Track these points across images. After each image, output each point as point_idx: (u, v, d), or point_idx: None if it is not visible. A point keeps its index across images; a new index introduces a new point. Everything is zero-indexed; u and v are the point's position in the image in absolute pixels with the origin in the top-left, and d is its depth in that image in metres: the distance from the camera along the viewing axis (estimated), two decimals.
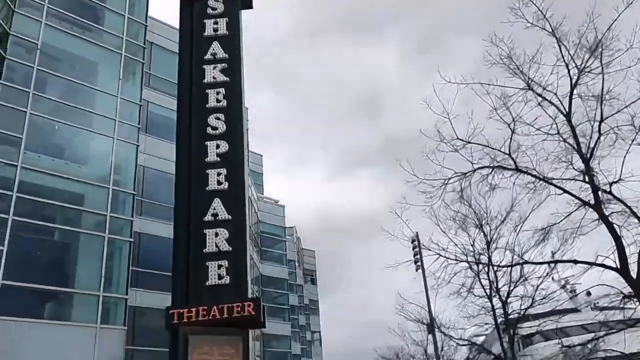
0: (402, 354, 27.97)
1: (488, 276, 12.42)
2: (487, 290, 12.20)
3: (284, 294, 32.98)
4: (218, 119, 14.92)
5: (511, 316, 12.15)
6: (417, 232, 50.91)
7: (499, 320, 11.76)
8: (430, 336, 26.63)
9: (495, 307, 12.08)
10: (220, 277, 15.36)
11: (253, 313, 14.87)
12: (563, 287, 38.33)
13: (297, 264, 49.22)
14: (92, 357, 18.02)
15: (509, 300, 12.16)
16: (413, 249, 50.43)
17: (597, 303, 43.13)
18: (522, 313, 11.55)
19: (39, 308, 20.24)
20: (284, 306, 32.67)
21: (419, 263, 43.94)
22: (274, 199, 39.51)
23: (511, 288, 12.13)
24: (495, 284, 12.24)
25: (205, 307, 14.87)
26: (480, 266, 12.58)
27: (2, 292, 17.72)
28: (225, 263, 15.49)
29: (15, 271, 18.71)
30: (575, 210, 13.64)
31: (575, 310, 37.42)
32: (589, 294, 41.06)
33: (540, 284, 11.81)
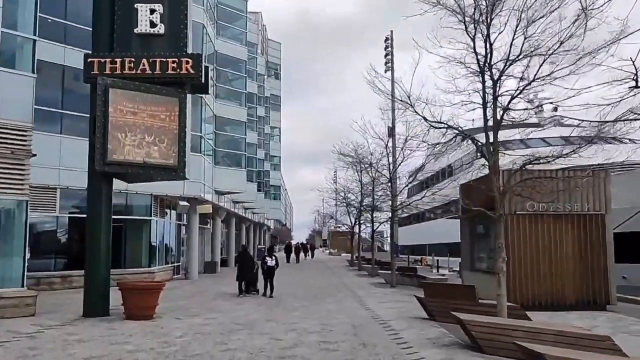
0: (362, 150, 27.04)
1: (485, 46, 9.98)
2: (481, 62, 9.79)
3: (241, 77, 30.48)
4: None
5: (502, 98, 10.08)
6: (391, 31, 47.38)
7: (489, 100, 9.62)
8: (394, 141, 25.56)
9: (486, 86, 9.86)
10: (152, 24, 12.51)
11: (192, 72, 12.48)
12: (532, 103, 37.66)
13: (259, 51, 45.93)
14: None
15: (502, 78, 9.91)
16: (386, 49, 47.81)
17: (562, 118, 43.11)
18: (515, 95, 9.39)
19: None
20: (240, 90, 30.45)
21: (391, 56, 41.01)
22: None
23: (507, 66, 9.75)
24: (489, 55, 9.79)
25: (133, 59, 12.29)
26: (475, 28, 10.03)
27: None
28: (159, 8, 12.51)
29: None
30: None
31: (538, 125, 36.44)
32: (555, 109, 40.36)
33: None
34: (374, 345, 9.26)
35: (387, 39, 47.01)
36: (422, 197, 22.12)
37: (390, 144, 23.74)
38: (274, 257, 18.04)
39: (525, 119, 10.89)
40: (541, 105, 11.32)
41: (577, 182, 11.80)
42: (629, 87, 7.17)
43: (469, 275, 17.94)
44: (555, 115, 13.35)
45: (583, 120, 9.66)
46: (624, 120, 8.90)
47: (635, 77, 7.10)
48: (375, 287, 21.24)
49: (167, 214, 24.45)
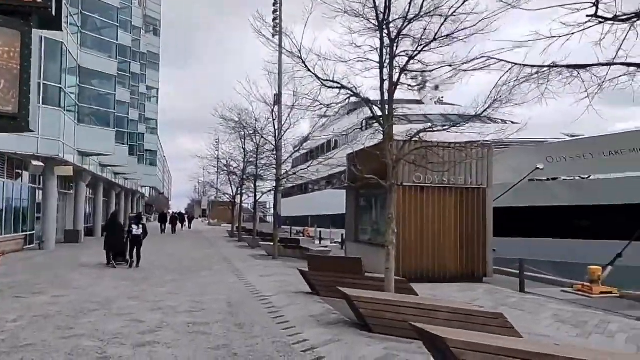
0: (246, 115, 25.45)
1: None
2: (380, 17, 8.82)
3: (112, 26, 26.98)
4: None
5: (399, 58, 9.27)
6: None
7: (386, 59, 8.73)
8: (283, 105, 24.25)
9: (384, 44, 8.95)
10: None
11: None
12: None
13: (135, 1, 41.66)
14: None
15: (400, 37, 9.07)
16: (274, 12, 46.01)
17: (442, 98, 44.76)
18: (413, 55, 8.57)
19: None
20: (110, 40, 27.02)
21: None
22: None
23: (404, 25, 8.90)
24: (388, 11, 8.88)
25: None
26: None
27: None
28: None
29: None
30: None
31: (419, 102, 37.44)
32: (436, 87, 41.63)
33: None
34: (251, 325, 8.16)
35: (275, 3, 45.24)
36: (307, 167, 21.28)
37: (276, 110, 22.49)
38: (141, 226, 16.33)
39: (420, 85, 10.25)
40: (426, 82, 10.72)
41: (468, 152, 11.53)
42: (587, 16, 6.42)
43: (353, 246, 17.50)
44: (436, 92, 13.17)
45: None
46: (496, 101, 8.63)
47: (595, 2, 6.33)
48: (256, 260, 20.18)
49: (18, 175, 21.26)
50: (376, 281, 10.62)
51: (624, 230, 18.54)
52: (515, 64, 6.97)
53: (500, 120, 18.35)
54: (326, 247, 23.51)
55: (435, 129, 9.52)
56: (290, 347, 6.92)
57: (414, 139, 9.61)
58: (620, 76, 6.35)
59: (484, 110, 9.07)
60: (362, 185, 15.82)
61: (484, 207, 14.59)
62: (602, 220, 19.40)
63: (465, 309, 7.26)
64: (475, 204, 14.56)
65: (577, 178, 20.72)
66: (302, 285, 12.08)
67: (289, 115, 21.24)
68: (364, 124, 39.29)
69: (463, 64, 8.78)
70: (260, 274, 15.31)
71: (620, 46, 6.42)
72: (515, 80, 7.13)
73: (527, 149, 21.24)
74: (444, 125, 9.37)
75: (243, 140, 29.24)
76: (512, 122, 17.55)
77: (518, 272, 15.61)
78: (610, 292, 12.21)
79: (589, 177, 20.37)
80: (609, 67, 6.33)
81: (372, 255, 14.38)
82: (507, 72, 7.07)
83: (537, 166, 20.83)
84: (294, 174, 21.94)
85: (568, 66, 6.72)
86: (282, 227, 48.26)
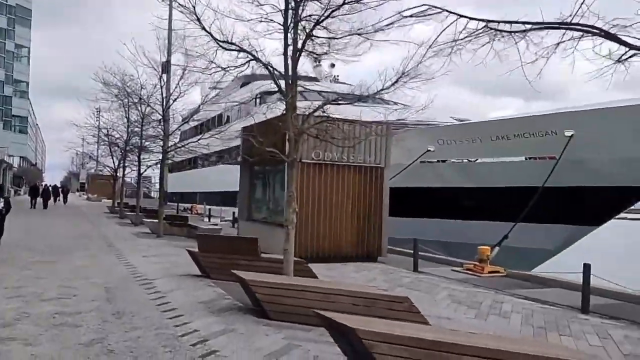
0: (132, 82, 23.29)
1: None
2: None
3: None
4: None
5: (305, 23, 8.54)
6: None
7: (290, 23, 7.97)
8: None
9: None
10: None
11: None
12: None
13: None
14: None
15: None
16: None
17: (337, 77, 44.88)
18: (320, 19, 7.91)
19: None
20: None
21: None
22: None
23: None
24: None
25: None
26: None
27: None
28: None
29: None
30: None
31: (315, 79, 37.13)
32: (332, 65, 41.69)
33: None
34: (131, 314, 7.14)
35: None
36: (198, 140, 19.96)
37: (165, 77, 20.78)
38: (2, 199, 14.26)
39: (327, 53, 9.61)
40: (325, 53, 10.15)
41: (373, 129, 11.16)
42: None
43: (246, 225, 16.69)
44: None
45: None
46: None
47: None
48: (139, 238, 18.65)
49: None
50: (273, 263, 9.98)
51: (508, 211, 19.63)
52: (461, 16, 6.50)
53: (402, 104, 18.41)
54: (216, 225, 22.46)
55: (341, 102, 8.95)
56: (178, 339, 6.06)
57: (316, 112, 8.97)
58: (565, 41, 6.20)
59: (392, 84, 8.65)
60: (258, 160, 15.03)
61: (381, 187, 14.46)
62: (488, 202, 20.35)
63: (369, 293, 6.84)
64: (372, 184, 14.38)
65: (465, 161, 21.51)
66: (190, 267, 11.12)
67: (178, 82, 19.69)
68: (258, 98, 38.27)
69: (398, 13, 8.00)
70: (143, 254, 14.03)
71: None
72: (455, 40, 6.65)
73: (422, 131, 21.65)
74: (351, 100, 8.82)
75: (127, 108, 27.01)
76: (405, 105, 17.71)
77: (412, 252, 15.91)
78: (498, 272, 12.63)
79: (476, 160, 21.22)
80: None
81: (267, 234, 13.71)
82: (450, 24, 6.57)
83: (429, 148, 21.32)
84: (183, 146, 20.49)
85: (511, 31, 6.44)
86: (169, 203, 45.91)
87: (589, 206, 18.82)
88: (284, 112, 8.72)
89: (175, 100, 19.59)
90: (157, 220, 20.28)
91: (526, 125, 18.95)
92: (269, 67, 8.98)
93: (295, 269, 9.13)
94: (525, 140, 19.09)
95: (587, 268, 8.82)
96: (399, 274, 12.19)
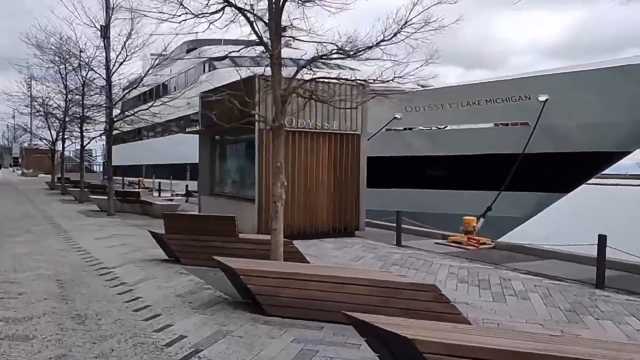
0: (69, 46, 20.89)
1: None
2: None
3: None
4: None
5: None
6: None
7: None
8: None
9: None
10: None
11: None
12: None
13: None
14: None
15: None
16: None
17: (291, 43, 43.10)
18: None
19: None
20: None
21: None
22: None
23: None
24: None
25: None
26: None
27: None
28: None
29: None
30: None
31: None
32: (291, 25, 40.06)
33: None
34: (96, 316, 5.82)
35: None
36: (149, 107, 18.12)
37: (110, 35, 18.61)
38: None
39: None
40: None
41: (362, 89, 9.91)
42: None
43: (209, 200, 15.28)
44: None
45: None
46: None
47: None
48: (87, 217, 16.86)
49: None
50: (254, 244, 8.79)
51: (478, 180, 19.07)
52: None
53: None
54: (171, 200, 20.83)
55: (332, 56, 7.66)
56: (162, 350, 4.82)
57: (310, 62, 7.65)
58: None
59: (394, 35, 7.45)
60: (220, 129, 13.62)
61: (357, 156, 13.39)
62: (456, 171, 19.72)
63: (389, 281, 5.78)
64: (349, 152, 13.28)
65: (433, 128, 20.74)
66: (153, 250, 9.78)
67: (125, 43, 17.67)
68: (206, 66, 36.15)
69: None
70: (95, 236, 12.45)
71: None
72: None
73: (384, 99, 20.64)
74: (341, 54, 7.54)
75: (64, 75, 24.57)
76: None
77: (387, 224, 15.05)
78: (485, 243, 11.92)
79: (445, 127, 20.50)
80: None
81: (233, 210, 12.38)
82: None
83: (395, 116, 20.37)
84: (133, 114, 18.57)
85: None
86: (113, 177, 43.16)
87: (558, 173, 18.51)
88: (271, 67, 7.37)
89: (121, 63, 17.62)
90: (105, 197, 18.52)
91: (498, 90, 18.28)
92: (248, 14, 7.58)
93: (284, 252, 7.97)
94: (497, 106, 18.47)
95: (602, 239, 8.12)
96: (385, 250, 11.23)
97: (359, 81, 7.68)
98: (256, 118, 7.86)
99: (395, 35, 7.33)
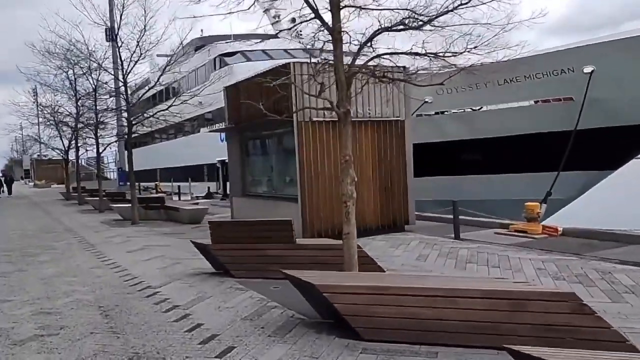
0: (77, 48, 19.95)
1: None
2: None
3: None
4: None
5: None
6: None
7: None
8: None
9: None
10: None
11: None
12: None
13: None
14: None
15: None
16: None
17: (301, 32, 41.93)
18: None
19: None
20: None
21: None
22: None
23: None
24: None
25: None
26: None
27: None
28: None
29: None
30: None
31: (275, 36, 34.20)
32: (293, 20, 38.78)
33: None
34: (158, 355, 4.80)
35: None
36: (168, 108, 17.07)
37: (122, 35, 17.60)
38: None
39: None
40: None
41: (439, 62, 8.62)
42: None
43: (242, 202, 14.27)
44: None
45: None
46: None
47: None
48: (111, 227, 15.90)
49: None
50: (314, 250, 7.78)
51: (519, 163, 17.95)
52: None
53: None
54: (197, 204, 19.87)
55: (398, 27, 6.54)
56: None
57: (373, 37, 6.52)
58: None
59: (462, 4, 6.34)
60: (252, 124, 12.62)
61: (402, 143, 12.31)
62: (493, 154, 18.57)
63: (513, 291, 4.73)
64: (393, 140, 12.21)
65: (467, 110, 19.58)
66: (194, 261, 8.84)
67: (138, 40, 16.59)
68: (217, 62, 35.16)
69: None
70: (126, 249, 11.48)
71: None
72: None
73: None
74: (415, 21, 6.42)
75: (73, 80, 23.66)
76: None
77: (434, 215, 14.01)
78: (556, 230, 10.82)
79: (480, 108, 19.32)
80: None
81: (271, 212, 11.45)
82: None
83: (425, 99, 19.22)
84: (152, 116, 17.54)
85: None
86: (126, 183, 42.19)
87: (608, 149, 17.29)
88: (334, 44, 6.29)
89: (136, 62, 16.58)
90: (128, 205, 17.57)
91: (537, 65, 17.04)
92: None
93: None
94: (536, 82, 17.27)
95: None
96: (447, 246, 10.14)
97: (432, 55, 6.51)
98: (322, 106, 6.75)
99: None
